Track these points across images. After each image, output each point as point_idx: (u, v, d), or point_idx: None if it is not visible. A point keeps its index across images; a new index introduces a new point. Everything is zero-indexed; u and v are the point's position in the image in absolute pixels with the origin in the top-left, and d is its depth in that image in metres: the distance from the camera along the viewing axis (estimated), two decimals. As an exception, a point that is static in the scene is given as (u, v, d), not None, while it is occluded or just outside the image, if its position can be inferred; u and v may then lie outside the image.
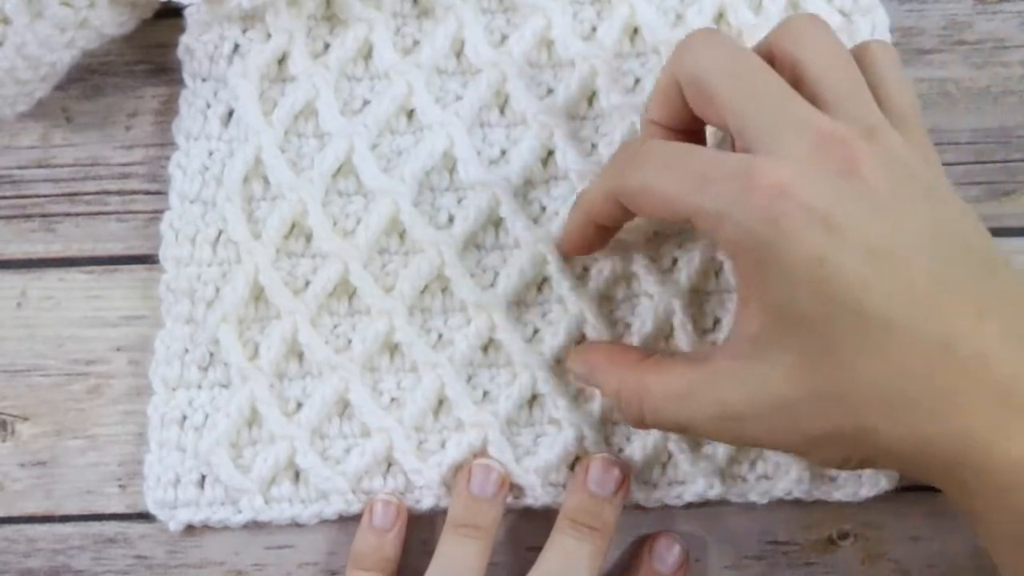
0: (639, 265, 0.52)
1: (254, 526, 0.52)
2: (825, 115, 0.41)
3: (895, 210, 0.39)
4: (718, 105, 0.42)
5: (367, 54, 0.54)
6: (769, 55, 0.44)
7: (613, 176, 0.45)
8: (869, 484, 0.51)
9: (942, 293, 0.39)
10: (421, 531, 0.53)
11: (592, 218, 0.47)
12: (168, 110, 0.55)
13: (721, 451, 0.51)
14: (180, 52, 0.54)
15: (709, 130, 0.48)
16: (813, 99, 0.42)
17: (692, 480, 0.51)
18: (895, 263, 0.39)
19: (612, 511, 0.50)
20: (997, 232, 0.52)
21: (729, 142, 0.44)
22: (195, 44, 0.54)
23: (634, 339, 0.51)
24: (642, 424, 0.46)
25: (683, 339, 0.51)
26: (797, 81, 0.42)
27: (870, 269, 0.38)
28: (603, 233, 0.49)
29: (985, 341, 0.38)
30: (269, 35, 0.54)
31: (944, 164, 0.52)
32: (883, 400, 0.39)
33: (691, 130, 0.46)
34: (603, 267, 0.52)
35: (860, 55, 0.44)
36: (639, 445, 0.51)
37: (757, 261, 0.40)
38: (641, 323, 0.52)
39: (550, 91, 0.54)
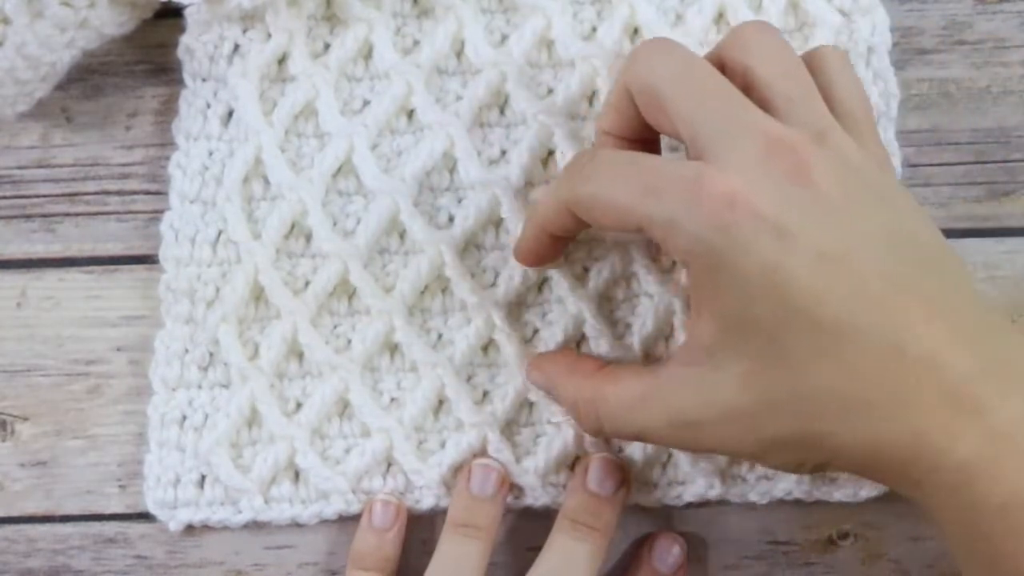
0: (639, 265, 0.51)
1: (254, 526, 0.52)
2: (776, 121, 0.41)
3: (847, 214, 0.39)
4: (669, 113, 0.42)
5: (367, 54, 0.54)
6: (720, 63, 0.44)
7: (565, 187, 0.45)
8: (869, 485, 0.51)
9: (893, 296, 0.39)
10: (421, 531, 0.53)
11: (546, 228, 0.47)
12: (168, 110, 0.55)
13: (721, 451, 0.51)
14: (180, 52, 0.54)
15: (664, 140, 0.48)
16: (764, 105, 0.42)
17: (692, 480, 0.51)
18: (847, 267, 0.39)
19: (612, 511, 0.50)
20: (997, 232, 0.53)
21: (684, 152, 0.44)
22: (195, 44, 0.54)
23: (635, 339, 0.51)
24: (600, 433, 0.46)
25: (683, 339, 0.51)
26: (748, 88, 0.42)
27: (822, 274, 0.38)
28: (557, 243, 0.49)
29: (935, 342, 0.39)
30: (269, 35, 0.54)
31: (944, 164, 0.53)
32: (837, 404, 0.39)
33: (645, 139, 0.46)
34: (603, 267, 0.52)
35: (810, 59, 0.44)
36: (639, 445, 0.51)
37: (709, 269, 0.40)
38: (641, 323, 0.51)
39: (550, 91, 0.53)
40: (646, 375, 0.44)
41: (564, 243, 0.49)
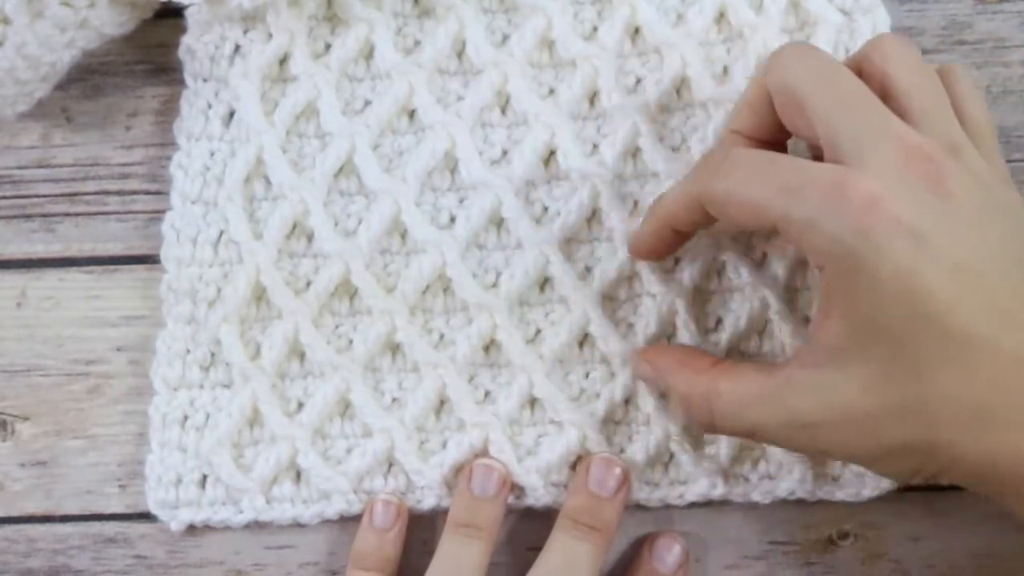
0: (641, 265, 0.52)
1: (255, 526, 0.52)
2: (913, 129, 0.41)
3: (978, 226, 0.40)
4: (810, 115, 0.42)
5: (368, 54, 0.54)
6: (858, 69, 0.44)
7: (698, 182, 0.45)
8: (872, 485, 0.51)
9: (1020, 309, 0.39)
10: (422, 531, 0.53)
11: (670, 223, 0.48)
12: (168, 110, 0.55)
13: (724, 451, 0.51)
14: (181, 52, 0.54)
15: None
16: (900, 114, 0.42)
17: (694, 480, 0.51)
18: (978, 279, 0.39)
19: (613, 511, 0.50)
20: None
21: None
22: (196, 44, 0.54)
23: (638, 339, 0.51)
24: (710, 429, 0.46)
25: (686, 339, 0.51)
26: (885, 96, 0.43)
27: (955, 284, 0.39)
28: (677, 239, 0.49)
29: None
30: (270, 35, 0.54)
31: (944, 164, 0.53)
32: (961, 413, 0.40)
33: (773, 141, 0.47)
34: (605, 267, 0.52)
35: (943, 75, 0.45)
36: (641, 445, 0.51)
37: (844, 271, 0.40)
38: (644, 323, 0.52)
39: (551, 91, 0.54)
40: (765, 373, 0.44)
41: (684, 239, 0.49)
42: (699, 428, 0.47)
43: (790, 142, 0.48)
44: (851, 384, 0.41)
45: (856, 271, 0.39)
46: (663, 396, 0.51)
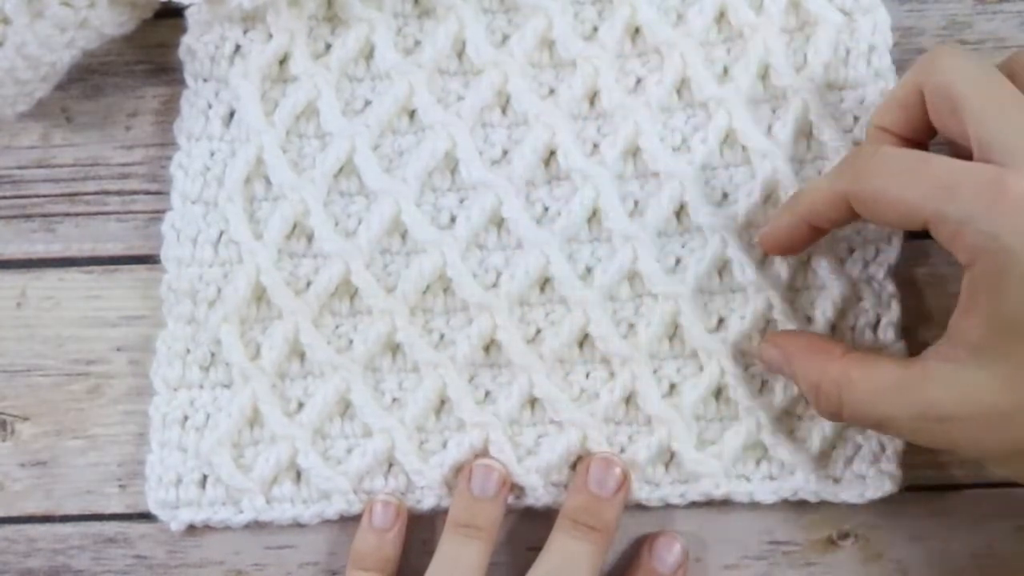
0: (643, 264, 0.52)
1: (254, 526, 0.52)
2: None
3: None
4: (964, 116, 0.43)
5: (368, 54, 0.54)
6: (1010, 73, 0.45)
7: (845, 179, 0.45)
8: (874, 486, 0.51)
9: None
10: (422, 531, 0.53)
11: (808, 219, 0.48)
12: (168, 110, 0.55)
13: (726, 451, 0.51)
14: (181, 53, 0.54)
15: None
16: None
17: (696, 479, 0.51)
18: None
19: (612, 511, 0.50)
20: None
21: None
22: (197, 45, 0.54)
23: (639, 340, 0.51)
24: (838, 416, 0.46)
25: (688, 339, 0.51)
26: None
27: None
28: (813, 235, 0.49)
29: None
30: (270, 35, 0.54)
31: (944, 164, 0.53)
32: None
33: (918, 141, 0.47)
34: (607, 267, 0.52)
35: None
36: (643, 444, 0.51)
37: (995, 270, 0.41)
38: (646, 323, 0.52)
39: (552, 91, 0.54)
40: (900, 365, 0.45)
41: (820, 235, 0.50)
42: (825, 416, 0.47)
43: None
44: (989, 380, 0.41)
45: (1007, 269, 0.40)
46: (788, 381, 0.51)
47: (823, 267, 0.51)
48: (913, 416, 0.43)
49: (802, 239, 0.49)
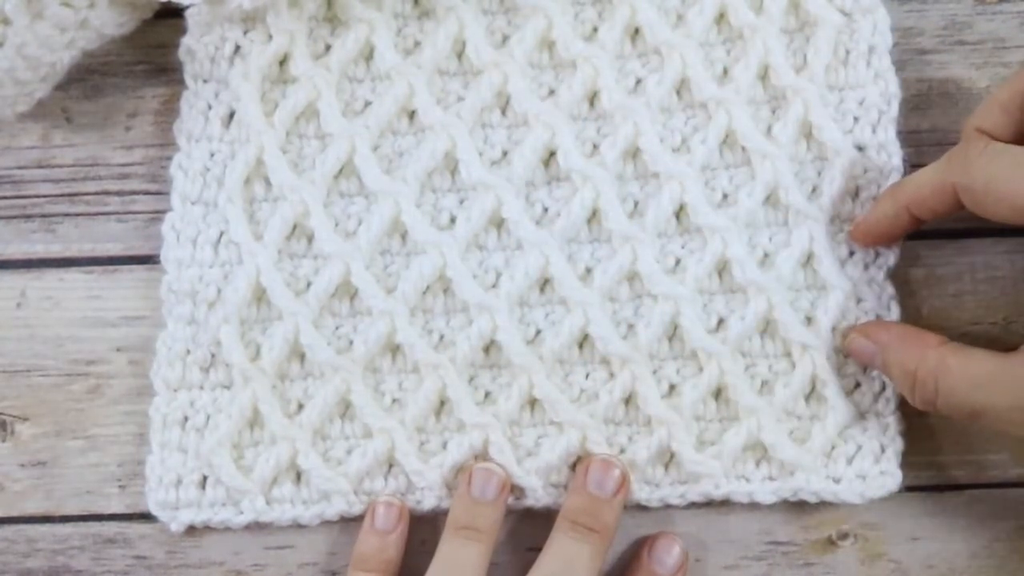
0: (643, 265, 0.52)
1: (254, 526, 0.52)
2: None
3: None
4: None
5: (368, 55, 0.54)
6: None
7: (953, 170, 0.46)
8: (874, 486, 0.51)
9: None
10: (422, 531, 0.53)
11: (911, 208, 0.49)
12: (168, 111, 0.55)
13: (725, 451, 0.51)
14: (181, 53, 0.54)
15: None
16: None
17: (696, 480, 0.51)
18: None
19: (611, 512, 0.50)
20: (997, 232, 0.53)
21: None
22: (196, 45, 0.54)
23: (638, 340, 0.51)
24: (932, 406, 0.47)
25: (688, 339, 0.51)
26: None
27: None
28: (912, 225, 0.50)
29: None
30: (270, 36, 0.54)
31: (944, 165, 0.53)
32: None
33: (1012, 144, 0.48)
34: (607, 267, 0.52)
35: None
36: (642, 444, 0.51)
37: None
38: (645, 324, 0.52)
39: (551, 92, 0.54)
40: (1000, 355, 0.45)
41: (918, 225, 0.50)
42: (919, 405, 0.47)
43: None
44: None
45: None
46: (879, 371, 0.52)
47: (823, 268, 0.51)
48: (1009, 407, 0.44)
49: (901, 228, 0.50)
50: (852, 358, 0.51)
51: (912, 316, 0.52)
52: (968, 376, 0.46)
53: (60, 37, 0.49)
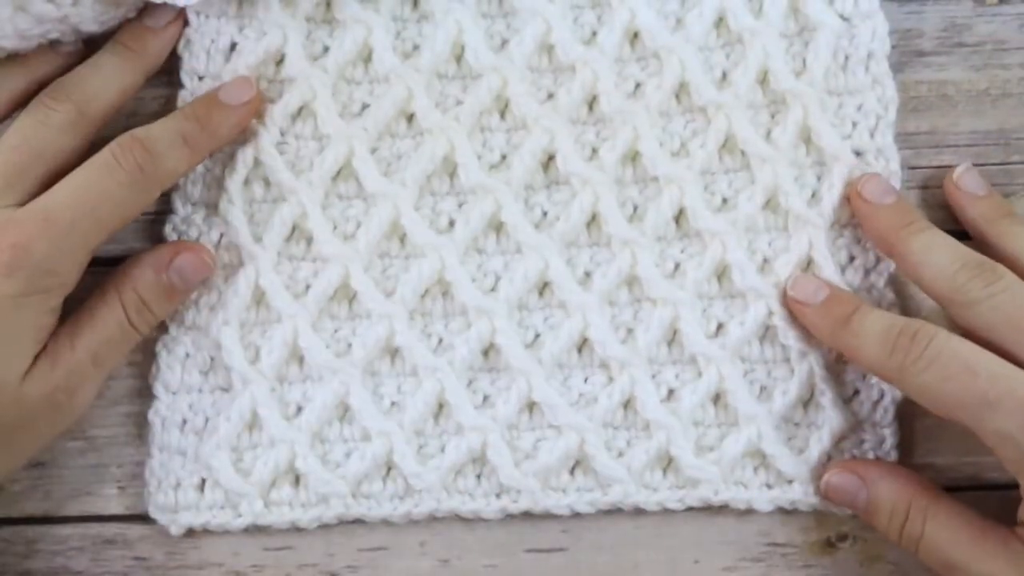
0: (642, 269, 0.52)
1: (253, 528, 0.52)
2: None
3: None
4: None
5: (367, 57, 0.54)
6: None
7: (893, 366, 0.47)
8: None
9: None
10: (419, 532, 0.53)
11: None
12: (168, 110, 0.54)
13: (724, 457, 0.51)
14: (180, 46, 0.53)
15: None
16: None
17: (694, 485, 0.51)
18: None
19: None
20: (995, 235, 0.52)
21: None
22: (194, 36, 0.53)
23: (638, 344, 0.52)
24: (913, 544, 0.49)
25: (687, 344, 0.52)
26: None
27: None
28: None
29: None
30: (264, 33, 0.53)
31: (943, 166, 0.53)
32: None
33: None
34: (606, 271, 0.52)
35: None
36: (641, 449, 0.51)
37: None
38: (644, 328, 0.52)
39: (550, 96, 0.53)
40: (985, 522, 0.48)
41: None
42: (900, 540, 0.50)
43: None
44: None
45: None
46: None
47: (823, 274, 0.51)
48: (981, 573, 0.47)
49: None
50: (828, 498, 0.51)
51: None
52: (954, 527, 0.48)
53: (36, 29, 0.49)
